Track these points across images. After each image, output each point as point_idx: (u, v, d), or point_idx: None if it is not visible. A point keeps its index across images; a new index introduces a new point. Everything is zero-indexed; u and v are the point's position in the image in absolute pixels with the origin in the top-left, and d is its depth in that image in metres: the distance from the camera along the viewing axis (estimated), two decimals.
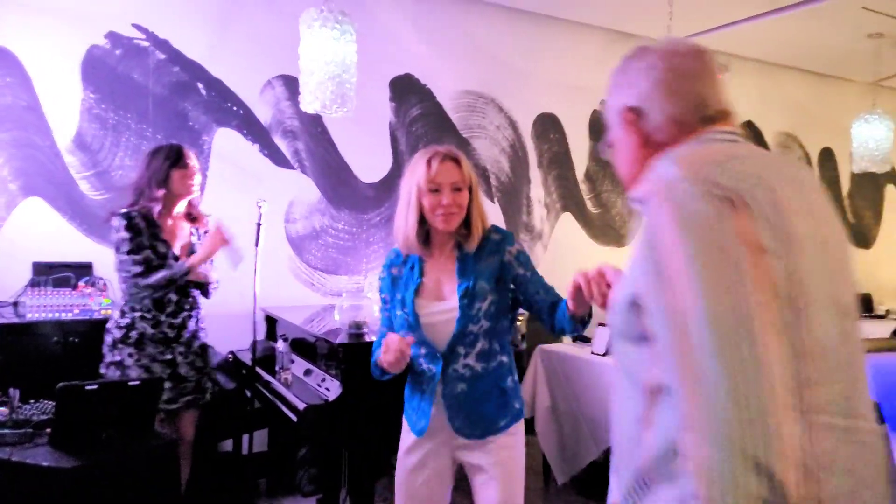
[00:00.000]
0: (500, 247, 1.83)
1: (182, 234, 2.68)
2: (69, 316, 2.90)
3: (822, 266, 0.90)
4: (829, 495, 0.81)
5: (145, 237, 2.55)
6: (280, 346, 2.84)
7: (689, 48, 1.05)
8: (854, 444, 0.86)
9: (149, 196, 2.56)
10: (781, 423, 0.76)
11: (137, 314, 2.56)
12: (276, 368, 2.83)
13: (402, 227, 1.79)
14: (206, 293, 2.77)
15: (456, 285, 1.77)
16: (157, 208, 2.56)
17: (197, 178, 2.67)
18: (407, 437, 1.87)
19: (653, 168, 0.93)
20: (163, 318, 2.58)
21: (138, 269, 2.52)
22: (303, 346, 2.97)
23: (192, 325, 2.66)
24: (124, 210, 2.57)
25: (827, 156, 6.25)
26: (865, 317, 5.22)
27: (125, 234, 2.52)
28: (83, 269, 3.17)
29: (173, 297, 2.60)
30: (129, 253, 2.52)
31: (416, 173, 1.77)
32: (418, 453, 1.84)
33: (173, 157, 2.58)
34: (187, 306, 2.65)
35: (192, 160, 2.65)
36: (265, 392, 2.87)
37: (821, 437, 0.82)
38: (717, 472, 0.76)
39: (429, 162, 1.76)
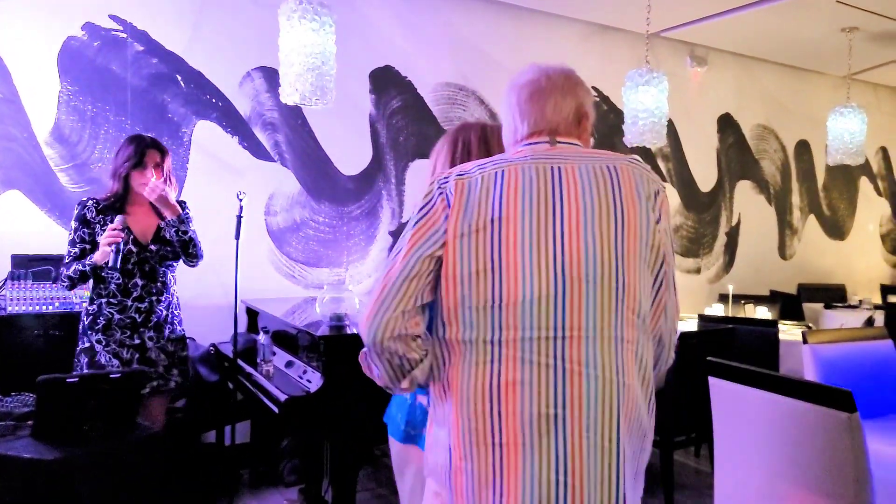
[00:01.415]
0: None
1: (147, 222, 2.63)
2: (50, 309, 2.91)
3: (540, 241, 1.16)
4: (506, 410, 1.14)
5: (96, 227, 2.56)
6: (261, 338, 2.87)
7: (523, 80, 1.35)
8: (548, 374, 1.14)
9: (110, 188, 2.62)
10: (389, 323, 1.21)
11: (104, 300, 2.57)
12: (258, 360, 2.86)
13: None
14: (187, 252, 2.64)
15: None
16: (117, 194, 2.59)
17: (154, 180, 2.58)
18: None
19: None
20: (129, 302, 2.57)
21: (66, 259, 2.56)
22: (284, 339, 3.00)
23: (160, 310, 2.64)
24: (84, 198, 2.63)
25: (803, 148, 6.37)
26: (839, 307, 5.35)
27: (73, 224, 2.59)
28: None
29: (139, 281, 2.58)
30: (69, 244, 2.58)
31: None
32: None
33: (135, 160, 2.56)
34: (154, 291, 2.62)
35: (154, 160, 2.58)
36: (247, 384, 2.90)
37: (509, 367, 1.15)
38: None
39: None
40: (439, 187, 1.24)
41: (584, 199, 1.19)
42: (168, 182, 2.65)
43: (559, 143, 1.29)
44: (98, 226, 2.56)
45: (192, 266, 2.73)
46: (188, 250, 2.65)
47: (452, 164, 1.63)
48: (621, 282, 1.18)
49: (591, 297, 1.16)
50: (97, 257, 2.48)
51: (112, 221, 2.52)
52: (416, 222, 1.24)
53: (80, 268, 2.50)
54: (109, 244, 2.44)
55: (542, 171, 1.21)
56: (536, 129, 1.31)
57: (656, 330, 1.27)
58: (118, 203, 2.59)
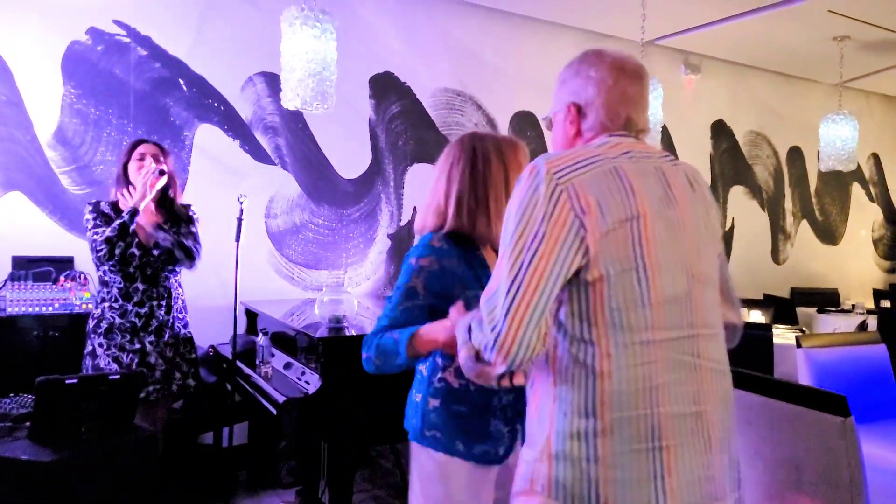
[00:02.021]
0: None
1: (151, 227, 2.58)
2: (49, 310, 2.88)
3: (670, 239, 1.15)
4: (662, 412, 1.10)
5: (114, 220, 2.54)
6: (260, 339, 2.84)
7: (634, 70, 1.27)
8: (691, 373, 1.14)
9: (116, 190, 2.62)
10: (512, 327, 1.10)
11: (106, 304, 2.55)
12: (257, 362, 2.83)
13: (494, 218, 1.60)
14: (190, 255, 2.62)
15: None
16: (121, 202, 2.58)
17: (153, 174, 2.53)
18: (459, 468, 1.57)
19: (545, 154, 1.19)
20: (129, 306, 2.55)
21: (97, 238, 2.49)
22: (283, 340, 2.97)
23: (160, 314, 2.60)
24: (94, 200, 2.63)
25: (795, 154, 6.36)
26: (832, 311, 5.32)
27: (89, 216, 2.56)
28: (64, 264, 3.14)
29: (140, 286, 2.56)
30: (93, 228, 2.52)
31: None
32: (487, 486, 1.60)
33: (127, 151, 2.61)
34: (155, 295, 2.59)
35: (150, 151, 2.60)
36: (245, 385, 2.87)
37: (661, 368, 1.12)
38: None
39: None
40: (556, 185, 1.11)
41: (689, 202, 1.21)
42: (173, 183, 2.65)
43: (641, 136, 1.27)
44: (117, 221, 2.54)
45: (189, 268, 2.68)
46: (176, 253, 2.60)
47: (473, 176, 1.61)
48: (716, 280, 1.24)
49: (706, 295, 1.20)
50: (136, 199, 2.47)
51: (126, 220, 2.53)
52: (544, 231, 1.10)
53: (119, 220, 2.46)
54: (153, 172, 2.47)
55: (652, 172, 1.19)
56: (632, 124, 1.26)
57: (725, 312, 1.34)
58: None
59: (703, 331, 1.17)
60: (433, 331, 1.47)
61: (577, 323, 1.13)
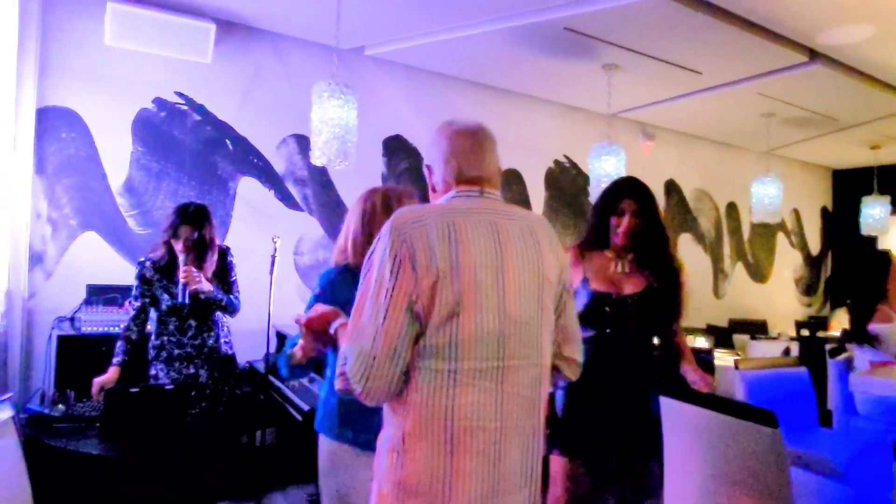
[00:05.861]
0: None
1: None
2: (116, 329, 2.90)
3: (491, 283, 1.16)
4: (459, 426, 1.14)
5: (154, 285, 2.53)
6: None
7: (469, 129, 1.31)
8: (500, 398, 1.17)
9: (158, 247, 2.56)
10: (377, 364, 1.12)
11: (166, 337, 2.56)
12: None
13: (357, 246, 1.73)
14: (225, 310, 2.64)
15: None
16: (164, 259, 2.53)
17: (184, 269, 2.44)
18: (345, 452, 1.68)
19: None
20: (185, 339, 2.57)
21: (131, 312, 2.55)
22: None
23: (210, 342, 2.62)
24: (143, 258, 2.58)
25: (732, 208, 6.49)
26: (762, 338, 5.38)
27: (136, 281, 2.55)
28: (129, 291, 3.16)
29: (193, 322, 2.58)
30: (133, 297, 2.57)
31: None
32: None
33: (171, 232, 2.50)
34: (205, 329, 2.61)
35: (186, 234, 2.46)
36: (276, 396, 2.88)
37: (464, 391, 1.14)
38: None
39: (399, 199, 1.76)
40: (399, 235, 1.15)
41: (517, 255, 1.21)
42: (210, 250, 2.55)
43: (487, 193, 1.27)
44: (156, 283, 2.54)
45: (231, 317, 2.71)
46: (226, 311, 2.65)
47: (363, 223, 1.74)
48: (542, 320, 1.24)
49: (522, 333, 1.20)
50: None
51: (168, 281, 2.53)
52: (392, 278, 1.13)
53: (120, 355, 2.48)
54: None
55: (484, 227, 1.20)
56: (471, 176, 1.27)
57: (561, 347, 1.34)
58: (168, 265, 2.54)
59: (512, 362, 1.18)
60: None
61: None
